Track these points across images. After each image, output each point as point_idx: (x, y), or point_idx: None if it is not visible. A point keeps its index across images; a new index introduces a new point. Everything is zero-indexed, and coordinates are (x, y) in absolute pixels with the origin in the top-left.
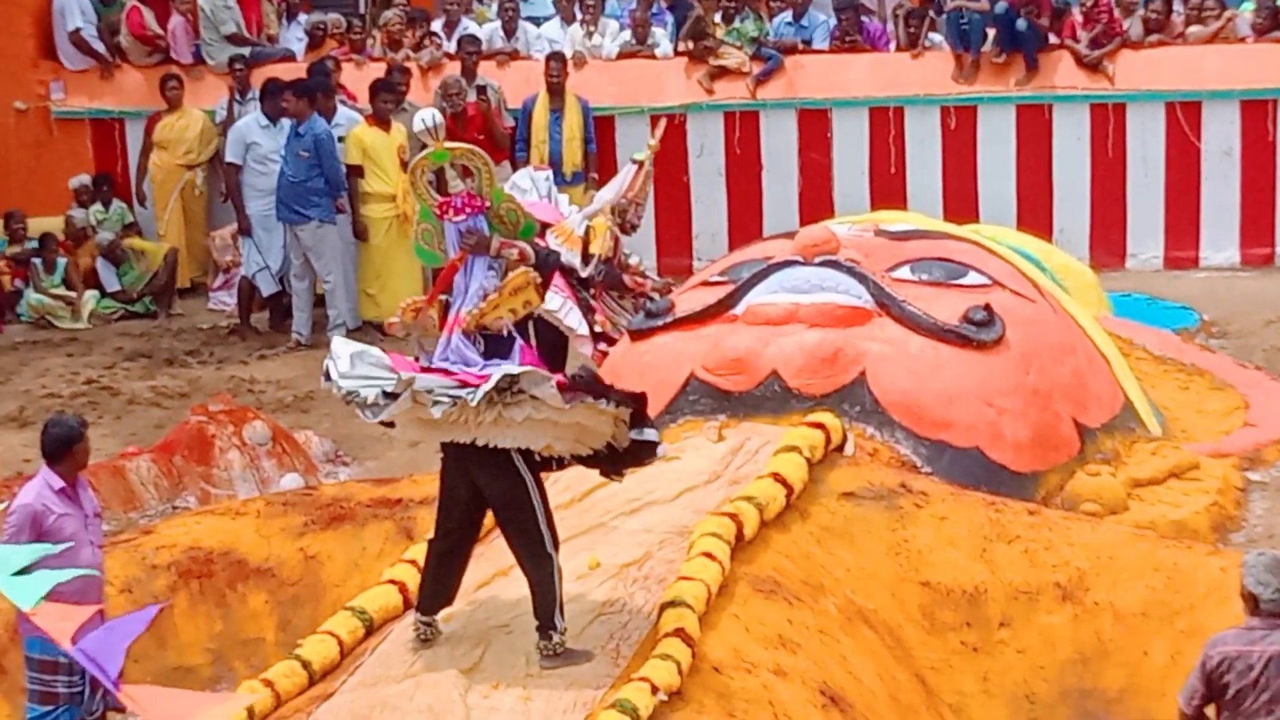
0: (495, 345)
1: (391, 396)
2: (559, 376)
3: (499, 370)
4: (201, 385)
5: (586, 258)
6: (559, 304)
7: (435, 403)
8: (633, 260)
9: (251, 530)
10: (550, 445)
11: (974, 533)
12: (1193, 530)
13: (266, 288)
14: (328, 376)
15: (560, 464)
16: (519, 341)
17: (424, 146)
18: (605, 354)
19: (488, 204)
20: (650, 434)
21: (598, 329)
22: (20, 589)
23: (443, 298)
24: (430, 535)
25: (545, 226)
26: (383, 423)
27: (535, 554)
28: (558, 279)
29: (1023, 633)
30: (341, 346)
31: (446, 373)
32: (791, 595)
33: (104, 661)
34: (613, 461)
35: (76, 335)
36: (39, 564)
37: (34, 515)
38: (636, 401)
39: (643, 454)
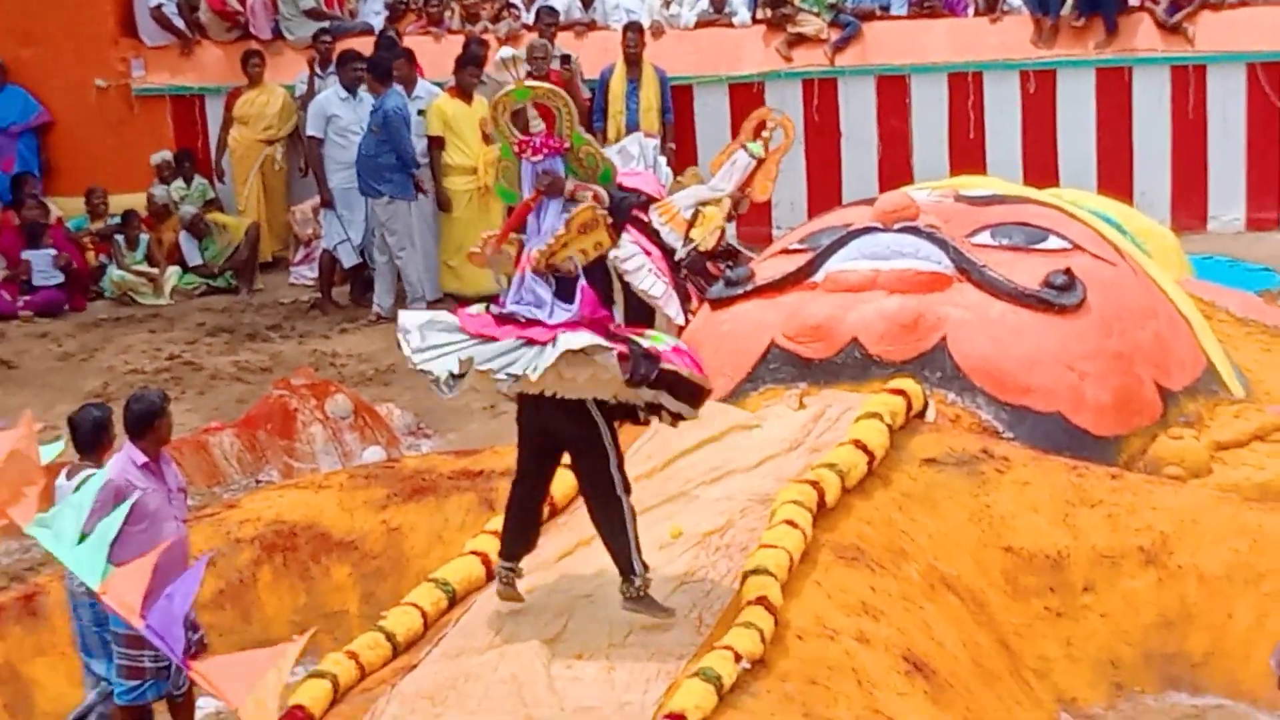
0: (564, 285)
1: (459, 377)
2: (620, 347)
3: (562, 342)
4: (283, 360)
5: (686, 240)
6: (662, 290)
7: (499, 381)
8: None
9: (334, 503)
10: (617, 395)
11: (1056, 497)
12: (1277, 493)
13: (348, 260)
14: (404, 345)
15: (636, 417)
16: (581, 282)
17: (509, 65)
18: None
19: (567, 145)
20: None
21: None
22: (88, 565)
23: (517, 236)
24: (513, 485)
25: (650, 201)
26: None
27: (607, 498)
28: (661, 264)
29: (1106, 597)
30: (409, 319)
31: (516, 323)
32: (874, 562)
33: (169, 635)
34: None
35: (159, 311)
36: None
37: (117, 490)
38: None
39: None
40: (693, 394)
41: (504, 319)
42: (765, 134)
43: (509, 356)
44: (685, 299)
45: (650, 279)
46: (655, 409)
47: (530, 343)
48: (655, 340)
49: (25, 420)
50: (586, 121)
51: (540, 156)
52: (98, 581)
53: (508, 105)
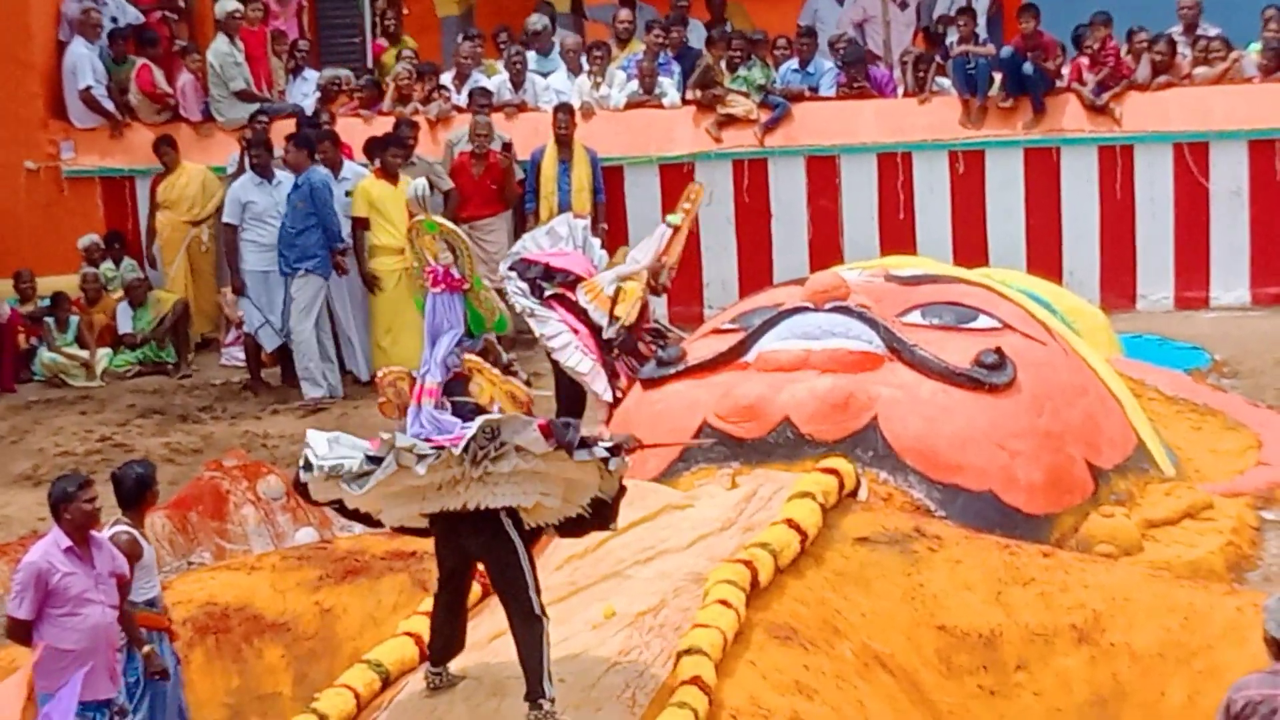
0: (460, 411)
1: (375, 461)
2: (540, 420)
3: (479, 420)
4: (215, 441)
5: (612, 319)
6: (588, 367)
7: (420, 457)
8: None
9: (267, 585)
10: (540, 503)
11: (989, 576)
12: (1208, 570)
13: (269, 344)
14: (306, 467)
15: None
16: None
17: (417, 202)
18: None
19: (468, 286)
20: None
21: (619, 394)
22: None
23: (408, 371)
24: (433, 595)
25: (577, 280)
26: (366, 518)
27: (526, 616)
28: (589, 341)
29: (1039, 675)
30: (316, 436)
31: (427, 440)
32: (807, 641)
33: None
34: (601, 515)
35: (90, 393)
36: None
37: (39, 573)
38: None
39: (605, 516)
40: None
41: (417, 433)
42: (685, 204)
43: (425, 447)
44: (613, 376)
45: (576, 356)
46: (577, 522)
47: (436, 446)
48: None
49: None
50: (519, 202)
51: (440, 289)
52: None
53: (420, 231)
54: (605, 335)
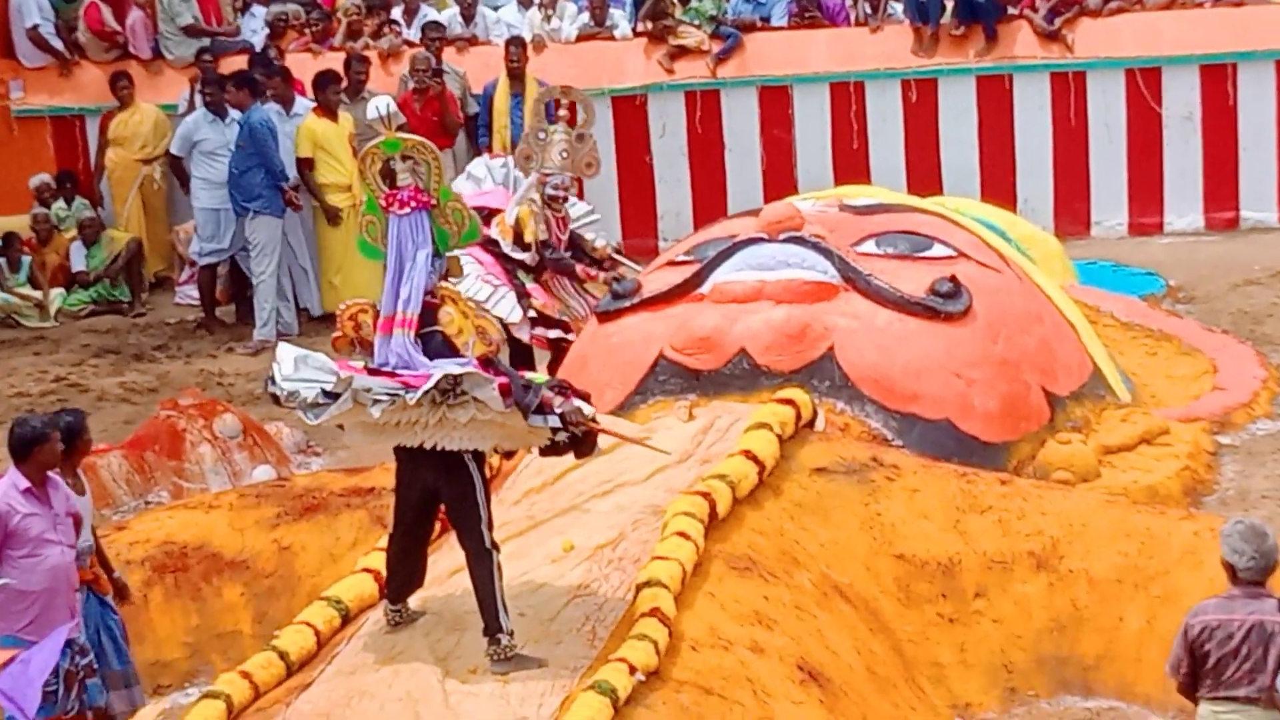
0: (429, 344)
1: (332, 396)
2: (501, 379)
3: (439, 369)
4: (171, 380)
5: (525, 245)
6: (488, 294)
7: (375, 401)
8: (599, 243)
9: (225, 523)
10: (499, 445)
11: (947, 504)
12: (1165, 495)
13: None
14: (272, 380)
15: (511, 454)
16: (469, 360)
17: (382, 122)
18: (551, 341)
19: (434, 201)
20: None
21: (532, 314)
22: None
23: (369, 302)
24: (390, 529)
25: (494, 213)
26: (339, 426)
27: (478, 553)
28: (495, 266)
29: (998, 602)
30: (286, 351)
31: (391, 374)
32: (766, 572)
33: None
34: (576, 447)
35: (44, 333)
36: None
37: (2, 515)
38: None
39: (584, 446)
40: (591, 437)
41: (376, 371)
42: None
43: (388, 385)
44: (522, 295)
45: (475, 285)
46: (557, 447)
47: (407, 386)
48: (537, 380)
49: None
50: (471, 133)
51: (407, 210)
52: None
53: (377, 158)
54: (519, 258)
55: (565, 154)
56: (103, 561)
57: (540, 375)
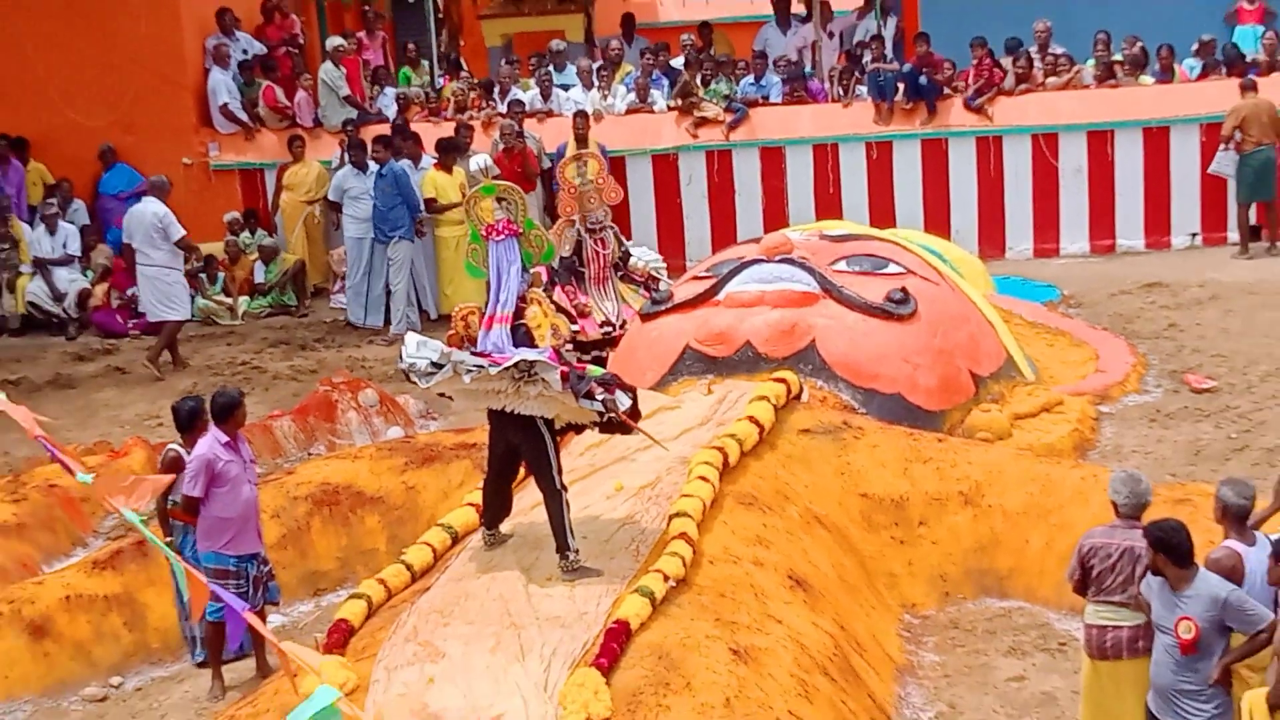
0: (519, 337)
1: (438, 366)
2: (563, 368)
3: (518, 355)
4: (326, 364)
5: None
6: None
7: (466, 372)
8: (641, 264)
9: (366, 470)
10: (560, 415)
11: (898, 456)
12: (1059, 450)
13: (354, 310)
14: (401, 358)
15: (580, 429)
16: (544, 350)
17: (480, 177)
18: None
19: (520, 230)
20: (625, 403)
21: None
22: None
23: (477, 306)
24: (485, 473)
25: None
26: (441, 394)
27: (550, 490)
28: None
29: (936, 529)
30: (411, 337)
31: (485, 355)
32: (764, 506)
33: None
34: (610, 426)
35: (233, 330)
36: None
37: (208, 462)
38: (620, 402)
39: (625, 422)
40: (625, 424)
41: (477, 354)
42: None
43: (477, 360)
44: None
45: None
46: (608, 425)
47: (493, 363)
48: (593, 373)
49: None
50: (547, 182)
51: (501, 237)
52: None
53: (478, 199)
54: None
55: (593, 200)
56: None
57: (596, 369)
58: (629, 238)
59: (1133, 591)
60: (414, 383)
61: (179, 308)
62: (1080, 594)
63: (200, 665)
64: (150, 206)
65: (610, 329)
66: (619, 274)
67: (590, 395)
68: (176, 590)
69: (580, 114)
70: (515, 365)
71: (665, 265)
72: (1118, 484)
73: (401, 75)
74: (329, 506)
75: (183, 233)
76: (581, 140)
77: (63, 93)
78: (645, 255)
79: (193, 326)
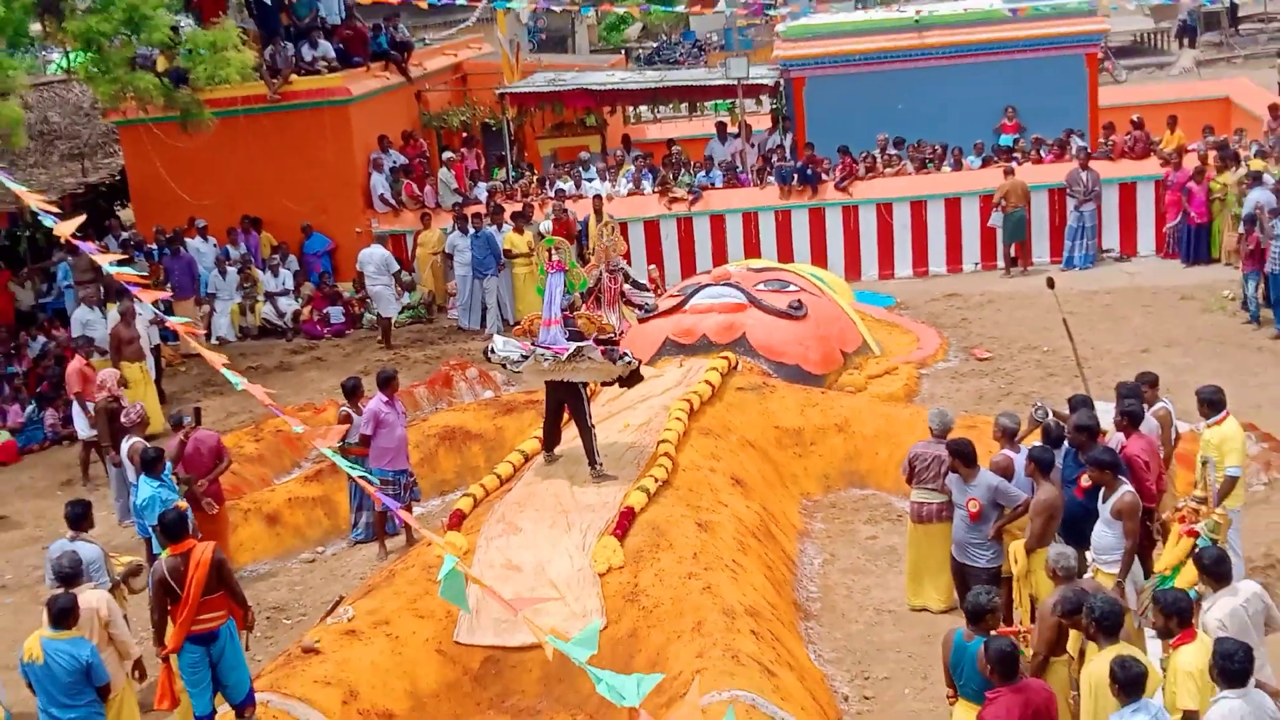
0: (575, 336)
1: (524, 358)
2: (601, 347)
3: (574, 345)
4: (445, 353)
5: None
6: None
7: (544, 359)
8: (638, 299)
9: (472, 417)
10: (598, 379)
11: (797, 402)
12: (896, 398)
13: (464, 320)
14: (491, 351)
15: (613, 382)
16: (590, 341)
17: (541, 236)
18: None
19: (566, 267)
20: (636, 365)
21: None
22: (344, 462)
23: (537, 314)
24: (543, 418)
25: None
26: (515, 372)
27: (584, 426)
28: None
29: (821, 447)
30: (498, 337)
31: (548, 348)
32: (716, 435)
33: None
34: (627, 382)
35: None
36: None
37: (375, 413)
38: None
39: (637, 378)
40: (631, 378)
41: (543, 347)
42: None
43: (547, 353)
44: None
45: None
46: (624, 381)
47: (556, 353)
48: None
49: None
50: (579, 244)
51: (555, 271)
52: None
53: (542, 247)
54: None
55: (610, 252)
56: None
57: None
58: None
59: (940, 483)
60: (503, 367)
61: (391, 308)
62: (908, 484)
63: (358, 543)
64: (379, 250)
65: (613, 333)
66: (624, 299)
67: (622, 356)
68: (350, 494)
69: (597, 197)
70: (573, 352)
71: (653, 287)
72: (932, 415)
73: (493, 172)
74: (449, 440)
75: (398, 267)
76: (599, 213)
77: (281, 189)
78: (639, 288)
79: (363, 332)
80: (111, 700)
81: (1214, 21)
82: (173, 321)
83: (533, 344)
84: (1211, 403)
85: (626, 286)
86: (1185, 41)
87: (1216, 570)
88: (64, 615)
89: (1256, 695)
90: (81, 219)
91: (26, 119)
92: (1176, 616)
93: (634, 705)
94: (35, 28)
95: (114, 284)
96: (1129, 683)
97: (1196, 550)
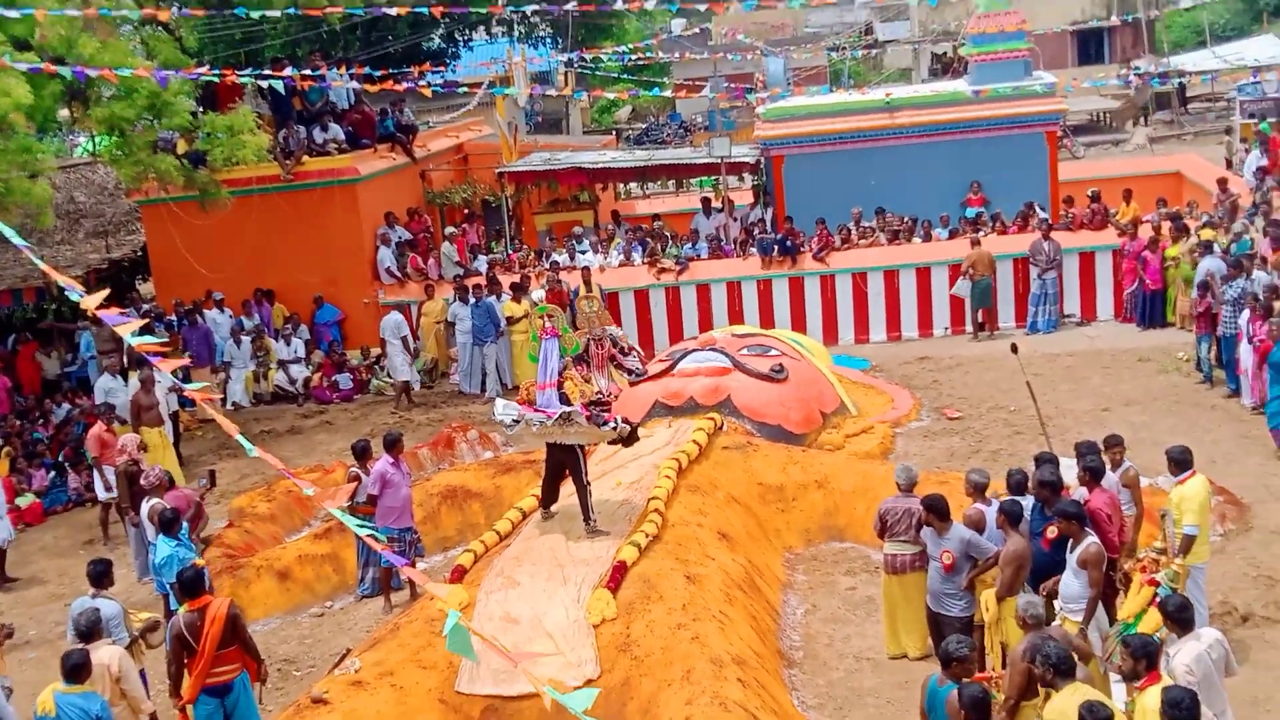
0: (565, 400)
1: (517, 422)
2: (587, 413)
3: (561, 410)
4: (448, 415)
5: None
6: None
7: (533, 424)
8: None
9: (473, 476)
10: (590, 441)
11: (779, 461)
12: (872, 455)
13: (465, 384)
14: (493, 415)
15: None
16: (577, 405)
17: (535, 305)
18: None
19: (559, 333)
20: (628, 430)
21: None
22: (352, 522)
23: (532, 381)
24: (543, 477)
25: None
26: (511, 430)
27: (580, 484)
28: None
29: (802, 503)
30: (499, 402)
31: (542, 410)
32: (703, 491)
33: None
34: (627, 441)
35: (392, 399)
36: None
37: (383, 474)
38: (628, 425)
39: (634, 438)
40: (629, 438)
41: (535, 409)
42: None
43: (539, 418)
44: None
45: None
46: (624, 441)
47: (548, 416)
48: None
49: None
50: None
51: (549, 336)
52: (354, 525)
53: (535, 314)
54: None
55: (595, 321)
56: None
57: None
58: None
59: (912, 535)
60: (503, 429)
61: (404, 371)
62: (880, 537)
63: (364, 597)
64: (396, 317)
65: (602, 395)
66: (613, 363)
67: (605, 422)
68: (358, 551)
69: (586, 268)
70: (560, 416)
71: (640, 353)
72: (898, 471)
73: (491, 246)
74: (451, 498)
75: (406, 331)
76: (587, 284)
77: (294, 263)
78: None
79: (371, 398)
80: None
81: (1165, 101)
82: (191, 389)
83: (528, 407)
84: (1179, 462)
85: (615, 352)
86: (1139, 120)
87: (1179, 617)
88: (77, 670)
89: None
90: (106, 293)
91: (54, 199)
92: (1145, 659)
93: None
94: (63, 113)
95: (135, 353)
96: None
97: (1158, 599)
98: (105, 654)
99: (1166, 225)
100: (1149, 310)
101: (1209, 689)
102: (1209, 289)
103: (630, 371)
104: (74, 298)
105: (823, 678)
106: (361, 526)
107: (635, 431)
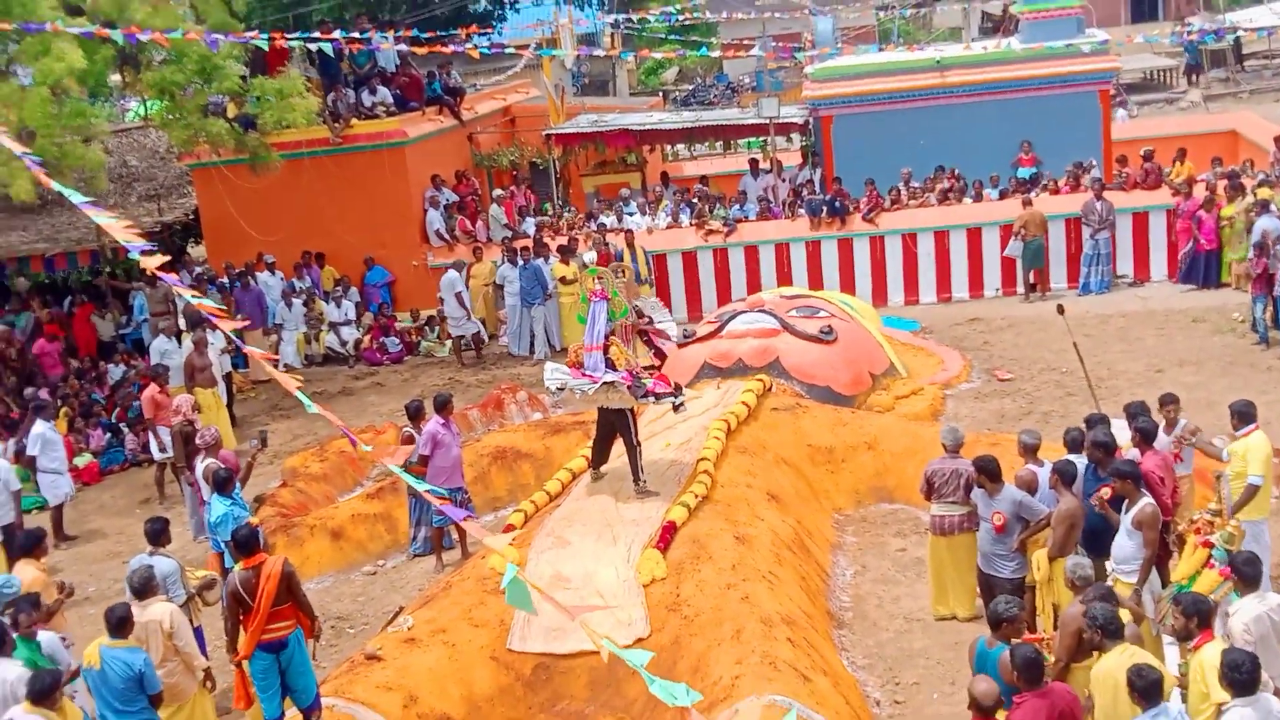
0: (610, 365)
1: (561, 389)
2: (629, 381)
3: (606, 376)
4: (498, 377)
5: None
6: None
7: (580, 391)
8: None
9: (522, 437)
10: (634, 406)
11: (828, 422)
12: (921, 417)
13: (514, 346)
14: (546, 377)
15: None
16: (621, 374)
17: (585, 266)
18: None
19: (608, 295)
20: (676, 399)
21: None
22: (412, 480)
23: (579, 345)
24: (593, 438)
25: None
26: (560, 393)
27: (630, 445)
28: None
29: (852, 464)
30: (549, 364)
31: (589, 376)
32: (752, 453)
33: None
34: (679, 407)
35: (445, 361)
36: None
37: (434, 435)
38: (671, 390)
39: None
40: (677, 409)
41: (583, 374)
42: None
43: (584, 383)
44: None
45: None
46: (676, 407)
47: (593, 381)
48: (646, 381)
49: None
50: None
51: (597, 298)
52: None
53: (585, 275)
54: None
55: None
56: None
57: (647, 379)
58: (668, 305)
59: (960, 496)
60: (552, 393)
61: (462, 326)
62: (927, 499)
63: (416, 556)
64: (452, 274)
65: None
66: (642, 337)
67: (646, 394)
68: (410, 510)
69: (628, 231)
70: (603, 384)
71: (675, 322)
72: (944, 433)
73: (544, 208)
74: (501, 459)
75: (460, 288)
76: (630, 247)
77: (343, 225)
78: (662, 316)
79: (417, 360)
80: (183, 705)
81: (1220, 58)
82: (251, 350)
83: (577, 370)
84: (1242, 414)
85: (643, 323)
86: (1193, 78)
87: (1248, 571)
88: (121, 624)
89: (1266, 701)
90: (166, 258)
91: (107, 163)
92: (1197, 617)
93: (686, 706)
94: (115, 78)
95: (190, 315)
96: (1146, 689)
97: (1212, 560)
98: (158, 610)
99: (1222, 185)
100: (1203, 271)
101: (1266, 650)
102: (1265, 249)
103: (658, 353)
104: (134, 256)
105: (872, 638)
106: (419, 483)
107: (682, 406)
